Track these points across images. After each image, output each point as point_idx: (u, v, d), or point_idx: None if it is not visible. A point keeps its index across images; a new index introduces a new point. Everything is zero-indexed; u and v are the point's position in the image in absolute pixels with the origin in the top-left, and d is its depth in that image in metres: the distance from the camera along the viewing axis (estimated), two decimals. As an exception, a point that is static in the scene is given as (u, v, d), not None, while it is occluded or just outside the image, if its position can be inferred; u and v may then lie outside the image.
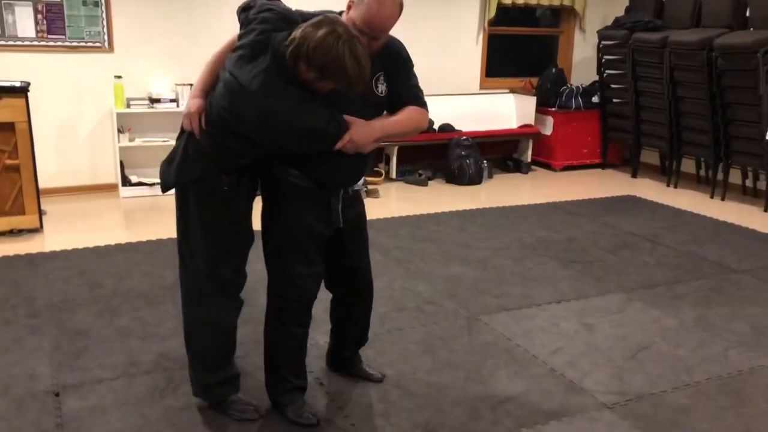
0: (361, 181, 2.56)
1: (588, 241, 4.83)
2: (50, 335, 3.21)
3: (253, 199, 2.50)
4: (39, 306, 3.54)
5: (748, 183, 6.29)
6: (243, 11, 2.33)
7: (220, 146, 2.29)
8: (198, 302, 2.51)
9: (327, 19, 2.12)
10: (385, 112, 2.41)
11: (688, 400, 2.77)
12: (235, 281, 2.50)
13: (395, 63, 2.37)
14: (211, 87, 2.31)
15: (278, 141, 2.24)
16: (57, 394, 2.72)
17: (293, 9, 2.32)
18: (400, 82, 2.38)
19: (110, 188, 5.91)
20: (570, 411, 2.67)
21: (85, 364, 2.96)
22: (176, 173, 2.40)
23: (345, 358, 2.87)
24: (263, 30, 2.19)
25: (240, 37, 2.25)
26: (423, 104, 2.42)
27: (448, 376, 2.92)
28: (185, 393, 2.71)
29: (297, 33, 2.10)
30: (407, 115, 2.38)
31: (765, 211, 5.77)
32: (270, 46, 2.16)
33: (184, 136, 2.39)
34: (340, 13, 2.28)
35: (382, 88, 2.34)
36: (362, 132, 2.25)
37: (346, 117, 2.23)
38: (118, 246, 4.50)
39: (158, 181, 5.49)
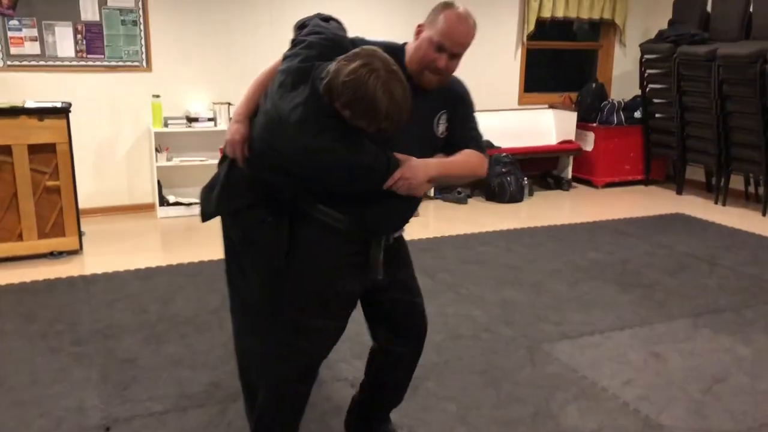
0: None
1: (643, 262, 4.64)
2: (97, 364, 3.10)
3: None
4: (84, 332, 3.44)
5: (802, 200, 6.06)
6: (298, 29, 2.17)
7: (260, 178, 2.14)
8: (252, 332, 2.37)
9: (364, 51, 1.90)
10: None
11: (778, 439, 2.58)
12: None
13: (458, 103, 2.18)
14: (255, 110, 2.12)
15: (321, 178, 2.01)
16: (108, 429, 2.60)
17: (350, 36, 2.13)
18: (460, 124, 2.18)
19: (147, 208, 5.85)
20: (652, 451, 2.50)
21: (135, 395, 2.84)
22: (217, 203, 2.26)
23: (373, 425, 2.51)
24: (307, 57, 2.00)
25: (284, 58, 2.07)
26: (483, 150, 2.21)
27: (516, 411, 2.75)
28: (239, 428, 2.58)
29: (332, 65, 1.89)
30: (466, 157, 2.14)
31: (822, 229, 5.54)
32: (311, 75, 1.95)
33: (227, 162, 2.24)
34: (404, 45, 2.11)
35: (442, 128, 2.15)
36: (416, 170, 2.00)
37: (398, 155, 2.01)
38: (159, 269, 4.41)
39: (196, 201, 5.38)
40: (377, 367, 2.40)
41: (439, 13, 2.01)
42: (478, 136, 2.22)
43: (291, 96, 1.94)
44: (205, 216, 2.30)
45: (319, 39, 2.04)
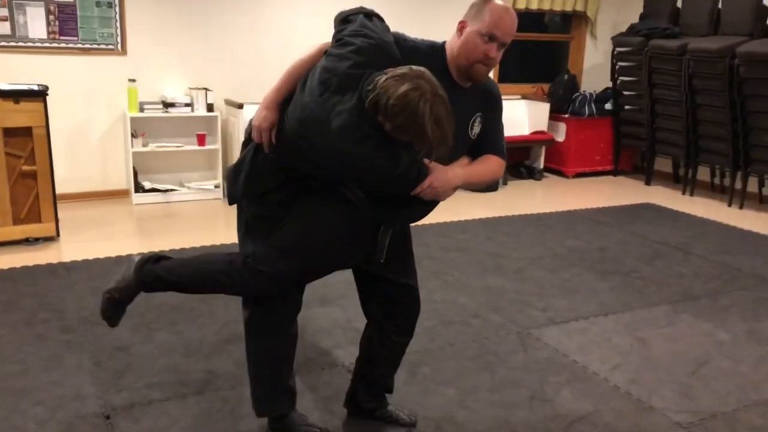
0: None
1: (619, 250, 4.76)
2: (89, 352, 3.06)
3: None
4: (71, 320, 3.38)
5: (765, 191, 6.28)
6: (341, 23, 2.13)
7: (285, 163, 2.17)
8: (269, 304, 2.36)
9: (412, 72, 1.92)
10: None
11: (762, 420, 2.70)
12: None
13: (493, 105, 2.24)
14: (285, 99, 2.14)
15: (352, 178, 2.10)
16: (108, 417, 2.57)
17: (392, 34, 2.12)
18: (491, 128, 2.24)
19: (122, 194, 5.75)
20: (647, 431, 2.58)
21: (131, 383, 2.81)
22: (243, 187, 2.27)
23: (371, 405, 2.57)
24: (357, 63, 1.97)
25: (329, 56, 2.04)
26: (504, 155, 2.29)
27: (512, 395, 2.82)
28: (243, 416, 2.59)
29: (380, 80, 1.91)
30: (490, 166, 2.23)
31: (785, 219, 5.76)
32: (360, 84, 1.96)
33: (251, 146, 2.25)
34: (443, 43, 2.16)
35: (476, 130, 2.20)
36: (443, 178, 2.06)
37: (427, 161, 2.05)
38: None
39: (172, 187, 5.40)
40: (369, 339, 2.48)
41: (484, 7, 2.07)
42: (502, 139, 2.30)
43: (336, 99, 1.95)
44: (232, 199, 2.33)
45: (369, 45, 2.01)
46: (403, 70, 1.93)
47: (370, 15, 2.13)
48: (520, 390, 2.86)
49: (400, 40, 2.12)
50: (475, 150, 2.23)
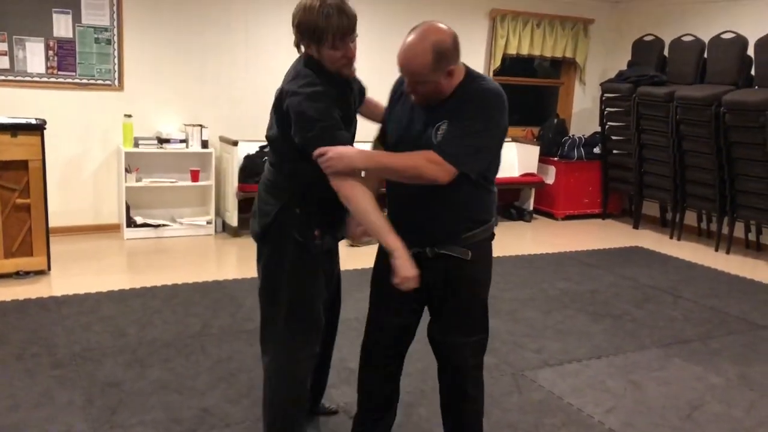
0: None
1: (610, 293, 4.80)
2: (80, 388, 3.02)
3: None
4: (62, 355, 3.34)
5: (751, 237, 6.38)
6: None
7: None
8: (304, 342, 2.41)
9: None
10: None
11: (756, 464, 2.71)
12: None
13: (459, 111, 2.13)
14: None
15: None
16: (100, 455, 2.54)
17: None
18: (447, 128, 2.12)
19: (113, 229, 5.73)
20: (642, 476, 2.58)
21: (124, 420, 2.78)
22: None
23: None
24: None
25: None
26: (448, 156, 2.08)
27: (508, 436, 2.81)
28: (237, 454, 2.56)
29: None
30: (411, 157, 2.11)
31: (771, 265, 5.84)
32: None
33: None
34: None
35: (438, 136, 2.13)
36: (341, 151, 2.09)
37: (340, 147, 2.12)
38: (133, 291, 4.32)
39: (165, 222, 5.48)
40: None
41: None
42: (454, 143, 2.10)
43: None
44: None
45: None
46: None
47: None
48: (515, 432, 2.85)
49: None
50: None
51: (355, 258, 4.42)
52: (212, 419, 2.83)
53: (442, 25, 2.11)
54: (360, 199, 2.12)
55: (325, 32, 2.11)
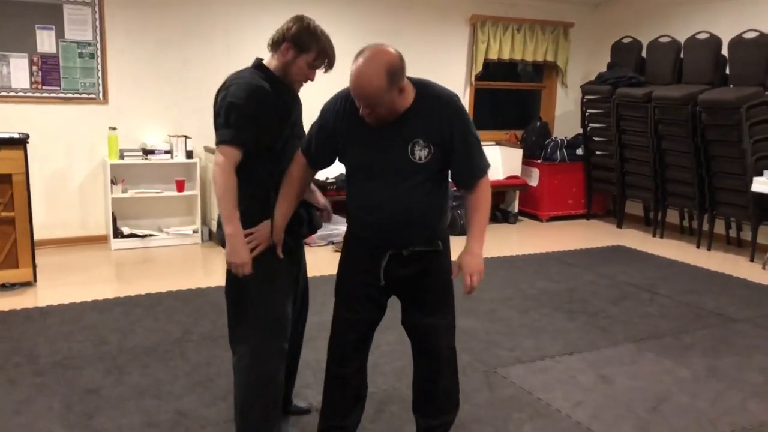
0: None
1: (588, 291, 4.88)
2: (59, 394, 3.09)
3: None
4: (43, 364, 3.41)
5: (732, 233, 6.46)
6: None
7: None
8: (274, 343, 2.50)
9: None
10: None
11: (717, 453, 2.78)
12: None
13: (447, 126, 2.27)
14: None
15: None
16: (75, 458, 2.61)
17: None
18: (457, 149, 2.29)
19: (100, 240, 5.81)
20: (604, 466, 2.65)
21: (101, 425, 2.85)
22: None
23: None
24: None
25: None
26: (483, 169, 2.36)
27: (476, 431, 2.88)
28: (210, 454, 2.63)
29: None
30: (480, 209, 2.37)
31: (751, 260, 5.91)
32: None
33: None
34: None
35: (420, 154, 2.27)
36: (478, 265, 2.34)
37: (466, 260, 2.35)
38: (117, 300, 4.40)
39: (151, 232, 5.61)
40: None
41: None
42: (476, 155, 2.34)
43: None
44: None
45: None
46: None
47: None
48: (483, 426, 2.92)
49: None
50: (455, 173, 2.36)
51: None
52: (187, 422, 2.89)
53: (387, 47, 2.21)
54: (222, 184, 2.31)
55: (311, 46, 2.36)
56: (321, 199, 2.71)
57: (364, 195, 2.38)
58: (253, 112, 2.30)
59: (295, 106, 2.51)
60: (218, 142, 2.33)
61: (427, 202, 2.35)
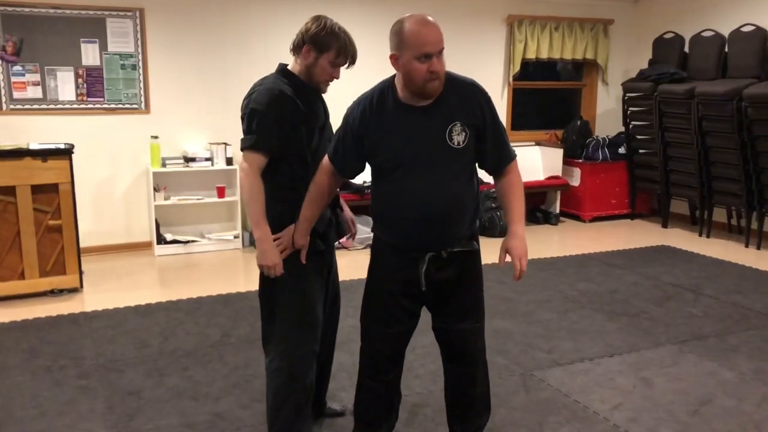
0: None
1: (630, 292, 4.78)
2: (102, 396, 3.18)
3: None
4: (88, 366, 3.52)
5: (783, 231, 6.25)
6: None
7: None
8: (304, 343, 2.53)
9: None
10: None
11: (762, 457, 2.69)
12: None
13: (480, 111, 2.28)
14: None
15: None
16: (116, 458, 2.68)
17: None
18: (488, 137, 2.30)
19: (144, 246, 5.95)
20: (641, 470, 2.60)
21: (140, 425, 2.92)
22: None
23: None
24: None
25: None
26: (511, 156, 2.38)
27: (511, 434, 2.86)
28: (245, 455, 2.67)
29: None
30: (516, 192, 2.38)
31: (803, 259, 5.71)
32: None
33: None
34: (393, 77, 2.31)
35: (460, 138, 2.25)
36: (523, 247, 2.33)
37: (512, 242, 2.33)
38: (159, 305, 4.50)
39: (193, 238, 5.72)
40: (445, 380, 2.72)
41: (401, 34, 2.17)
42: (504, 142, 2.35)
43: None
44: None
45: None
46: None
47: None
48: (518, 429, 2.89)
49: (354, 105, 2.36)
50: (488, 157, 2.35)
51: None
52: (223, 423, 2.94)
53: None
54: (248, 189, 2.36)
55: (332, 45, 2.37)
56: (349, 214, 2.74)
57: (398, 192, 2.30)
58: (274, 117, 2.33)
59: (322, 109, 2.53)
60: (242, 148, 2.38)
61: (466, 193, 2.32)
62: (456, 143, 2.25)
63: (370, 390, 2.56)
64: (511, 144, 2.43)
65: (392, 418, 2.66)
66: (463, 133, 2.26)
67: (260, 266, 2.41)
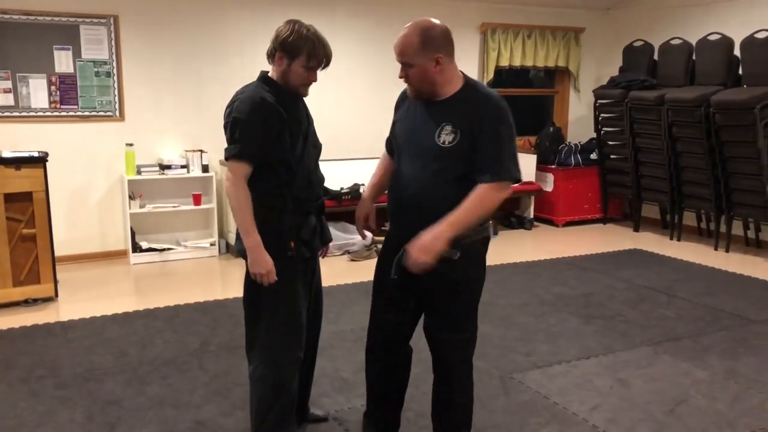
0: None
1: (604, 295, 4.86)
2: (81, 406, 3.15)
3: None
4: (66, 376, 3.48)
5: (750, 234, 6.40)
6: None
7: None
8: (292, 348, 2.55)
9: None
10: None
11: (736, 454, 2.76)
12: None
13: (478, 119, 2.25)
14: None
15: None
16: (97, 468, 2.65)
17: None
18: (480, 145, 2.25)
19: (120, 255, 5.90)
20: (621, 468, 2.65)
21: (122, 435, 2.90)
22: None
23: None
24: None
25: None
26: (500, 175, 2.24)
27: (492, 436, 2.89)
28: (229, 462, 2.66)
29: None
30: (468, 205, 2.22)
31: (770, 261, 5.86)
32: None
33: None
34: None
35: (445, 138, 2.27)
36: (424, 249, 2.22)
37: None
38: (137, 313, 4.46)
39: (169, 246, 5.70)
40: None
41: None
42: (498, 158, 2.24)
43: None
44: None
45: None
46: None
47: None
48: (499, 432, 2.93)
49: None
50: (474, 164, 2.26)
51: (355, 272, 4.54)
52: (206, 431, 2.93)
53: (434, 20, 2.34)
54: (235, 198, 2.38)
55: (301, 49, 2.38)
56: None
57: (394, 175, 2.49)
58: (256, 125, 2.35)
59: (304, 114, 2.54)
60: (226, 158, 2.38)
61: (445, 193, 2.29)
62: (443, 142, 2.29)
63: (367, 372, 2.71)
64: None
65: (395, 405, 2.76)
66: (453, 135, 2.27)
67: (253, 274, 2.41)
